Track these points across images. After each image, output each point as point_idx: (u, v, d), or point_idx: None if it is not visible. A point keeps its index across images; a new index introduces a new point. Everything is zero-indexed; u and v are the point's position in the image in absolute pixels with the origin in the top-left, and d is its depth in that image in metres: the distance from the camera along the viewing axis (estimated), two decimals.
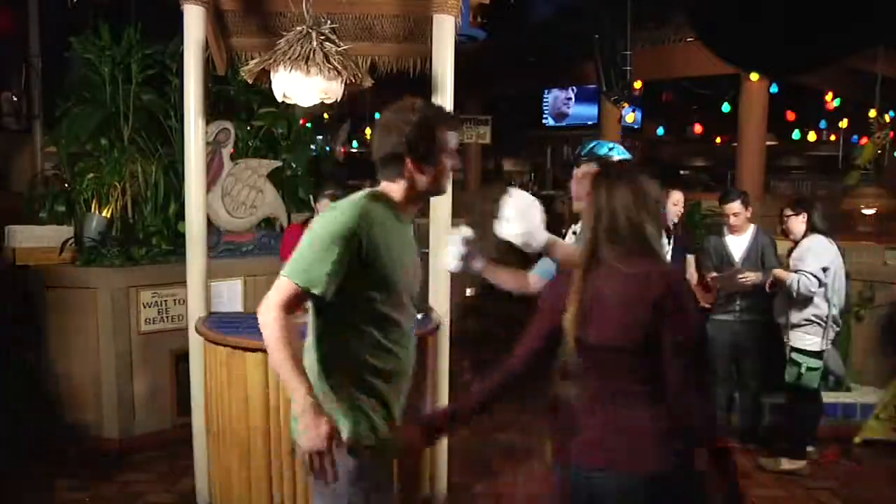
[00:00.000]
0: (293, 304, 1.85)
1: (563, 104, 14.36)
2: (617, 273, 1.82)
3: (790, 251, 4.20)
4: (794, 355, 4.06)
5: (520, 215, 2.18)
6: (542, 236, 2.23)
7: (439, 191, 2.01)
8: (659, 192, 1.92)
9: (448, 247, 2.32)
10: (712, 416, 1.84)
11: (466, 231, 2.31)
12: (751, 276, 4.16)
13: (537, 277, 2.88)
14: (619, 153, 2.69)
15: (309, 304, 1.97)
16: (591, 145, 2.74)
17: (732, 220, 4.35)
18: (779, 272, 4.12)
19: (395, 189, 1.96)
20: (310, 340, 1.98)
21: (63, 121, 4.92)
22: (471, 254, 2.30)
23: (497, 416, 4.84)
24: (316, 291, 1.83)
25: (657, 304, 1.76)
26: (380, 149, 1.95)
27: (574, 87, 13.70)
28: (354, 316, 1.92)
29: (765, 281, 4.17)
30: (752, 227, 4.39)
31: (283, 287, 1.84)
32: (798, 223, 4.11)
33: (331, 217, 1.88)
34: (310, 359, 1.95)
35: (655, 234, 1.87)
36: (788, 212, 4.17)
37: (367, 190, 1.97)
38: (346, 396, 1.92)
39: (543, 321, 1.97)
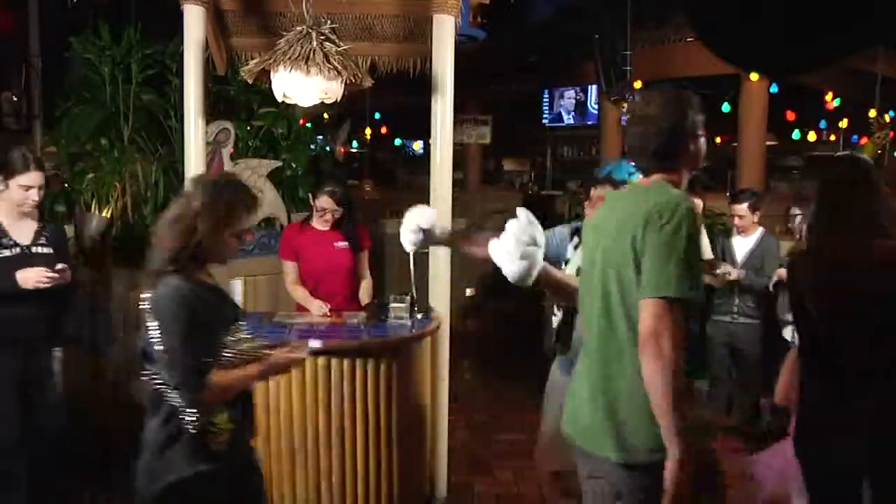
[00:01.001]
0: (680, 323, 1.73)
1: (564, 104, 14.37)
2: (850, 256, 2.08)
3: (791, 251, 4.19)
4: None
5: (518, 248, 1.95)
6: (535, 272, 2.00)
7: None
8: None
9: (404, 229, 2.26)
10: None
11: (422, 215, 2.25)
12: (733, 273, 4.19)
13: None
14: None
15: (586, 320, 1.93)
16: (610, 169, 2.69)
17: (737, 221, 4.36)
18: (784, 272, 4.13)
19: (675, 180, 1.92)
20: (622, 359, 1.83)
21: (63, 121, 4.92)
22: (427, 237, 2.25)
23: (497, 415, 4.85)
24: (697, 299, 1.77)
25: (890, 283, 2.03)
26: (654, 142, 1.90)
27: (574, 87, 13.69)
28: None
29: (752, 283, 4.23)
30: (759, 231, 4.39)
31: (668, 308, 1.70)
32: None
33: (683, 216, 1.75)
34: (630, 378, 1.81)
35: (886, 215, 2.11)
36: (796, 210, 4.17)
37: (664, 183, 1.89)
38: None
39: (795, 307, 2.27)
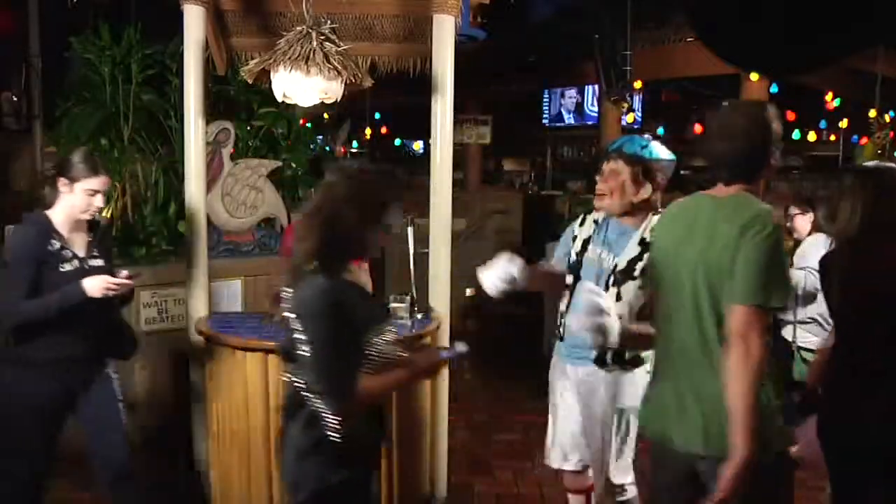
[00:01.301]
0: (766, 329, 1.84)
1: (564, 104, 14.37)
2: (869, 260, 2.20)
3: (790, 251, 4.19)
4: (802, 353, 4.08)
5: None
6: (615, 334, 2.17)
7: None
8: None
9: (491, 274, 2.35)
10: None
11: (512, 266, 2.33)
12: None
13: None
14: (651, 154, 2.58)
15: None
16: (622, 142, 2.62)
17: None
18: None
19: (755, 191, 1.99)
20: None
21: (63, 121, 4.91)
22: (512, 288, 2.35)
23: (497, 415, 4.85)
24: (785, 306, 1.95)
25: None
26: (740, 155, 1.96)
27: (574, 87, 13.70)
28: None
29: None
30: None
31: (757, 314, 1.81)
32: (805, 222, 4.13)
33: (774, 228, 1.86)
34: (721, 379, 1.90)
35: None
36: (795, 210, 4.17)
37: (748, 194, 1.95)
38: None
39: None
